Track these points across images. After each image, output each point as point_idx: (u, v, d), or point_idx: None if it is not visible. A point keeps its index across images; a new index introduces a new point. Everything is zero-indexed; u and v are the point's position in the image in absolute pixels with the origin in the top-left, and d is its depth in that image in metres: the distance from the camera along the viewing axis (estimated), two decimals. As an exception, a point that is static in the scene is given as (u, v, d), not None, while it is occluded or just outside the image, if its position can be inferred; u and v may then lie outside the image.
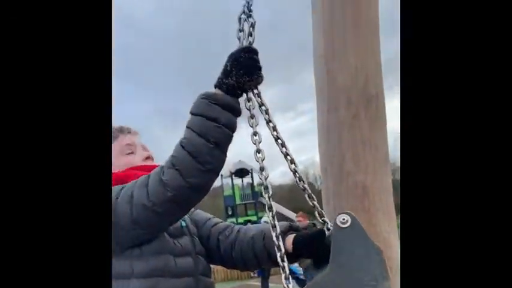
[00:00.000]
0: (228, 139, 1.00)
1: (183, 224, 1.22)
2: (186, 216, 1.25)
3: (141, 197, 1.01)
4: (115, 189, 1.08)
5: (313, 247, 1.06)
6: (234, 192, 22.55)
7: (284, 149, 1.05)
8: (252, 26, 1.05)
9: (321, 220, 1.04)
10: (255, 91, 1.05)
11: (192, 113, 1.02)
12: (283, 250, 0.91)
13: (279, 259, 0.91)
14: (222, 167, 1.03)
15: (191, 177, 0.97)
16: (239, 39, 1.06)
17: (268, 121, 1.06)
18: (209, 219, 1.33)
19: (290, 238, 1.09)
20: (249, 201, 23.34)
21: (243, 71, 1.00)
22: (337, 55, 1.24)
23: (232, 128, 1.00)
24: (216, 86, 1.02)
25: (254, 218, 20.25)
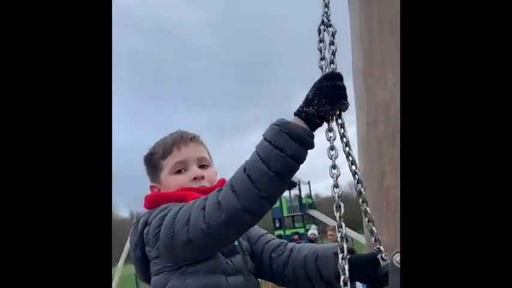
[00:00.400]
0: (291, 170, 0.98)
1: (236, 243, 1.23)
2: None
3: (197, 220, 1.02)
4: (174, 208, 1.11)
5: (365, 272, 1.06)
6: (281, 205, 22.44)
7: (359, 186, 1.03)
8: (333, 35, 1.04)
9: (375, 248, 1.04)
10: (339, 121, 1.03)
11: (263, 137, 1.01)
12: (347, 274, 0.92)
13: (341, 283, 0.92)
14: (279, 196, 1.02)
15: (246, 200, 0.97)
16: (320, 50, 1.06)
17: (348, 154, 1.04)
18: (263, 235, 1.34)
19: None
20: (296, 214, 23.14)
21: (325, 100, 0.97)
22: (375, 71, 1.25)
23: (299, 160, 0.98)
24: (295, 114, 1.00)
25: (301, 231, 20.02)
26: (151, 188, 1.33)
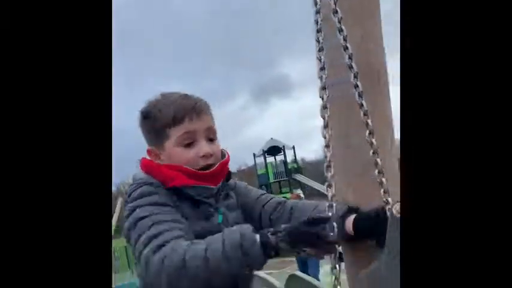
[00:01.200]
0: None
1: (220, 219, 1.19)
2: (225, 202, 1.25)
3: (174, 262, 0.96)
4: (149, 218, 1.05)
5: (375, 228, 1.00)
6: (267, 171, 22.70)
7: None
8: (335, 2, 0.98)
9: (384, 199, 0.99)
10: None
11: (240, 234, 0.95)
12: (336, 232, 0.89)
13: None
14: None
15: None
16: (316, 22, 0.99)
17: None
18: (259, 196, 1.31)
19: (351, 220, 1.05)
20: (282, 179, 23.48)
21: (308, 247, 0.93)
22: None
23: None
24: (275, 242, 0.94)
25: (288, 196, 20.42)
26: (149, 152, 1.24)
